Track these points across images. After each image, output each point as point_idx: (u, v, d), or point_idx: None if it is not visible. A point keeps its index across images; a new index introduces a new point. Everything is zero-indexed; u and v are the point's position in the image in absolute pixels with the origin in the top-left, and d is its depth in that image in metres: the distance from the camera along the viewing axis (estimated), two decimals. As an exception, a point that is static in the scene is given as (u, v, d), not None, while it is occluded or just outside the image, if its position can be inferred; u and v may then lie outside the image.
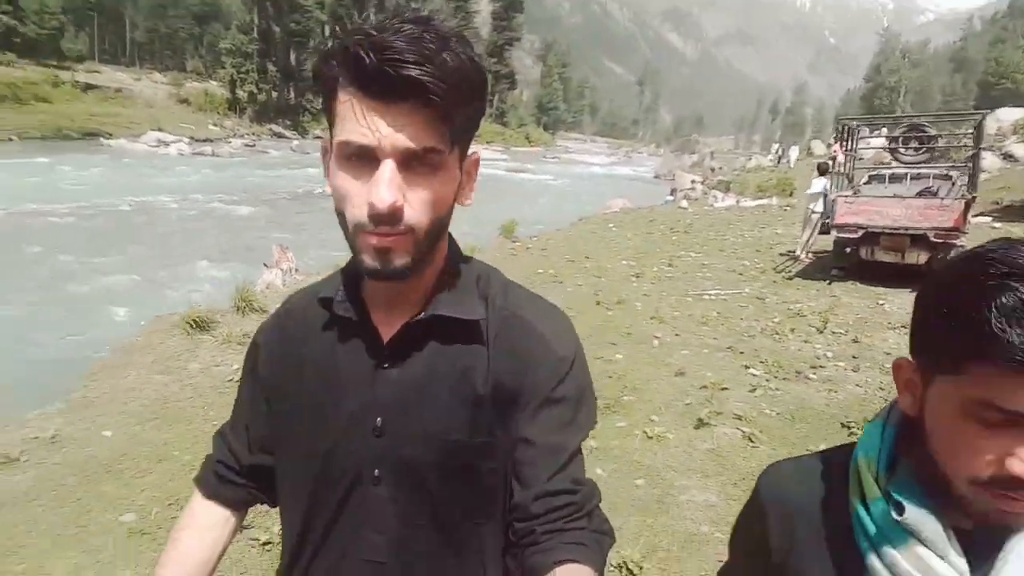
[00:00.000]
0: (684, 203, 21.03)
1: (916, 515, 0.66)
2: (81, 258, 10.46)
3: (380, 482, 0.82)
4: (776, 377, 5.37)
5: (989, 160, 21.15)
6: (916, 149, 10.14)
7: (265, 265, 9.38)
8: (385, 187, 0.69)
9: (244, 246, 12.22)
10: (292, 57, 63.95)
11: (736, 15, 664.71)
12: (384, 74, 0.66)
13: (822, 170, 10.93)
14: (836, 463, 0.79)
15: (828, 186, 10.18)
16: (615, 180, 38.05)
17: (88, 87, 49.06)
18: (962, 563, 0.65)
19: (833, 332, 6.68)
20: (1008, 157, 20.55)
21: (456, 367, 0.82)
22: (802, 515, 0.78)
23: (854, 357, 5.90)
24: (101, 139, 39.56)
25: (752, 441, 4.17)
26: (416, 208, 0.72)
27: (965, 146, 9.61)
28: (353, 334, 0.85)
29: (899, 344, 6.17)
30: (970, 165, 9.05)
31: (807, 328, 6.82)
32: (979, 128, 8.89)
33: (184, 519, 0.97)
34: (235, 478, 0.95)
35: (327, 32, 72.25)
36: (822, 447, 3.13)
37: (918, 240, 8.34)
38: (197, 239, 12.91)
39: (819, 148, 35.03)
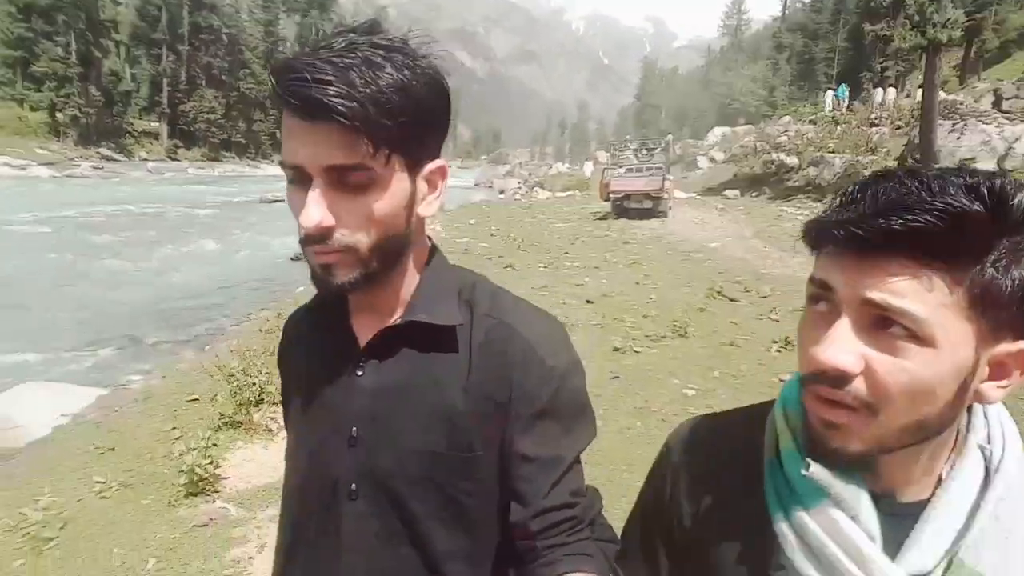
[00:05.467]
0: (518, 196, 30.26)
1: (824, 469, 0.59)
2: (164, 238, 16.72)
3: (357, 496, 0.81)
4: (586, 250, 14.10)
5: (703, 161, 32.91)
6: (645, 154, 19.94)
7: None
8: (311, 207, 0.69)
9: (255, 231, 18.85)
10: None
11: (519, 35, 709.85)
12: (297, 95, 0.66)
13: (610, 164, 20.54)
14: (758, 418, 0.71)
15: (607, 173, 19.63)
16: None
17: None
18: (874, 524, 0.59)
19: (610, 234, 15.56)
20: (712, 160, 32.26)
21: (433, 376, 0.81)
22: (716, 476, 0.70)
23: (618, 242, 14.75)
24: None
25: (597, 267, 12.78)
26: (352, 225, 0.72)
27: (663, 152, 19.63)
28: (333, 341, 0.86)
29: (637, 236, 15.18)
30: (664, 163, 19.04)
31: (602, 234, 15.64)
32: (668, 145, 18.92)
33: None
34: None
35: (123, 54, 72.11)
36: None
37: (647, 196, 17.81)
38: (221, 228, 19.20)
39: (602, 157, 46.51)
